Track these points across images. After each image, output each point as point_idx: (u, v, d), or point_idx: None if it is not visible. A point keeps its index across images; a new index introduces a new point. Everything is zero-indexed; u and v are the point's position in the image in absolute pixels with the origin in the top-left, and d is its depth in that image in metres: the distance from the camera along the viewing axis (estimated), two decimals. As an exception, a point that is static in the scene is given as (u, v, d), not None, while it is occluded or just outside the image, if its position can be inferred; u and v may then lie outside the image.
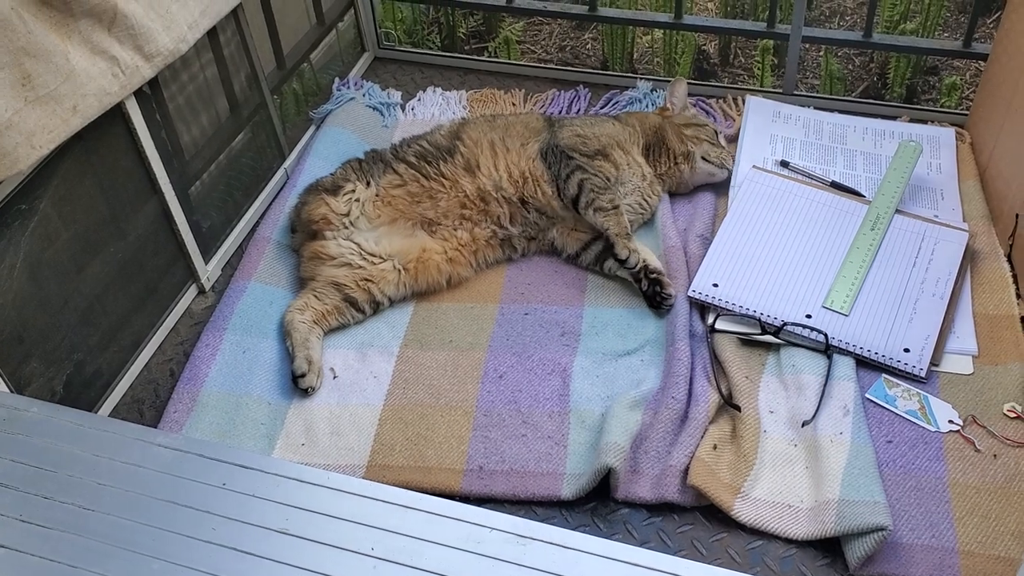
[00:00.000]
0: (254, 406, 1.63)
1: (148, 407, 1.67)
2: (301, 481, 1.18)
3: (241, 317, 1.76)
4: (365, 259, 1.78)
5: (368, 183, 1.85)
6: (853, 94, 2.59)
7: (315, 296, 1.75)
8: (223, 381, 1.66)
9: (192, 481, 1.18)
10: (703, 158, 1.97)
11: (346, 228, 1.81)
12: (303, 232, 1.86)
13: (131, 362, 1.72)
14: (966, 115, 2.18)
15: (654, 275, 1.77)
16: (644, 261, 1.78)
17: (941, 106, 2.41)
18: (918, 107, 2.31)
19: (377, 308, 1.79)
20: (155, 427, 1.59)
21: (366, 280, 1.77)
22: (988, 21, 2.81)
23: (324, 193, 1.84)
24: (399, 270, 1.79)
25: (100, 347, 1.64)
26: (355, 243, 1.80)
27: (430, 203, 1.83)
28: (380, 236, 1.81)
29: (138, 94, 1.63)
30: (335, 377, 1.69)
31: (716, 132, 2.03)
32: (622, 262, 1.78)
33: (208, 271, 1.89)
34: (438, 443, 1.57)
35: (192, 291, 1.87)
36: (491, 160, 1.86)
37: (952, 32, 2.80)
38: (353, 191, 1.84)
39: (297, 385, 1.64)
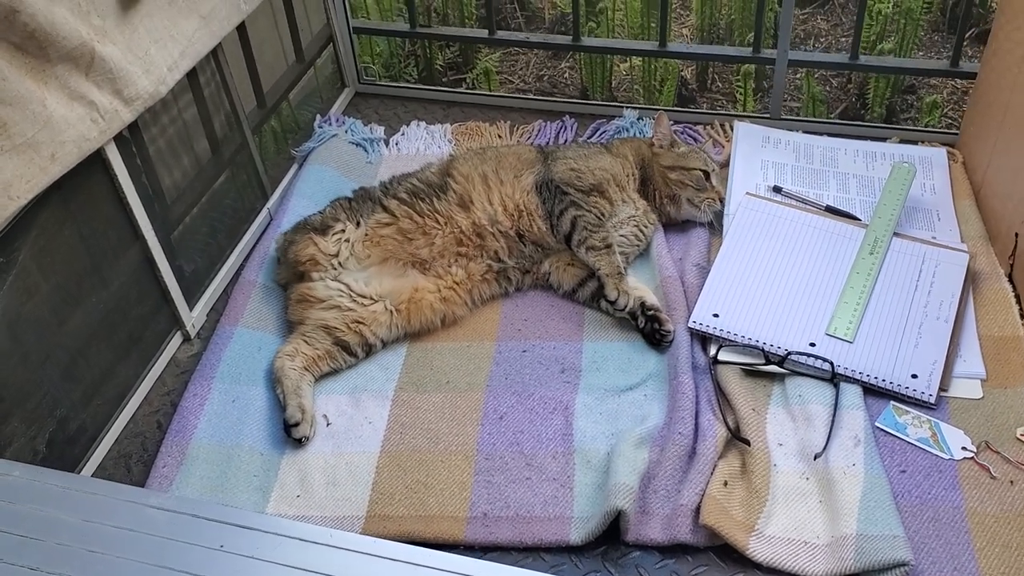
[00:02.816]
0: (246, 457, 1.57)
1: (136, 462, 1.61)
2: (302, 540, 1.12)
3: (229, 365, 1.70)
4: (355, 301, 1.73)
5: (358, 223, 1.81)
6: (832, 115, 2.58)
7: (305, 341, 1.70)
8: (213, 432, 1.60)
9: (187, 544, 1.12)
10: (688, 200, 1.93)
11: (334, 269, 1.76)
12: (289, 271, 1.81)
13: (116, 415, 1.66)
14: (955, 134, 2.17)
15: (651, 312, 1.72)
16: (640, 299, 1.74)
17: (926, 125, 2.40)
18: (908, 128, 2.29)
19: (370, 351, 1.74)
20: (143, 483, 1.53)
21: (357, 322, 1.72)
22: (962, 40, 2.81)
23: (313, 233, 1.79)
24: (391, 311, 1.74)
25: (83, 401, 1.58)
26: (344, 284, 1.75)
27: (424, 240, 1.79)
28: (370, 277, 1.76)
29: (118, 139, 1.58)
30: (328, 424, 1.63)
31: (706, 174, 1.93)
32: (611, 303, 1.74)
33: (193, 318, 1.83)
34: (439, 490, 1.51)
35: (177, 339, 1.81)
36: (484, 194, 1.82)
37: (926, 51, 2.81)
38: (343, 231, 1.79)
39: (290, 435, 1.59)
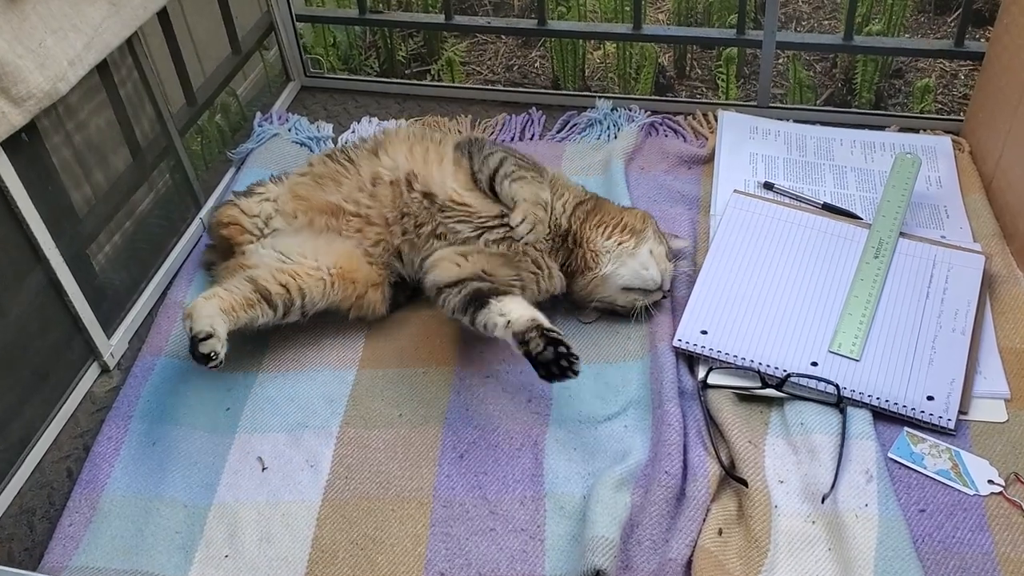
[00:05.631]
0: (166, 511, 1.36)
1: (40, 518, 1.39)
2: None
3: (149, 401, 1.49)
4: (292, 262, 1.55)
5: (281, 180, 1.71)
6: (819, 102, 2.39)
7: (224, 288, 1.49)
8: (129, 482, 1.39)
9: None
10: None
11: (259, 232, 1.63)
12: (216, 247, 1.70)
13: (19, 463, 1.44)
14: (955, 120, 1.98)
15: (553, 333, 1.36)
16: (532, 319, 1.38)
17: (921, 111, 2.21)
18: (904, 115, 2.10)
19: (289, 309, 1.51)
20: (47, 543, 1.32)
21: (290, 276, 1.52)
22: (949, 20, 2.65)
23: (235, 196, 1.70)
24: (325, 280, 1.54)
25: (-23, 450, 1.37)
26: (278, 252, 1.58)
27: (333, 186, 1.62)
28: (304, 241, 1.58)
29: (9, 146, 1.36)
30: (264, 468, 1.42)
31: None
32: (512, 229, 1.50)
33: (112, 346, 1.61)
34: (390, 545, 1.31)
35: (93, 371, 1.59)
36: (401, 150, 1.62)
37: (912, 33, 2.63)
38: (265, 191, 1.68)
39: (198, 351, 1.36)
